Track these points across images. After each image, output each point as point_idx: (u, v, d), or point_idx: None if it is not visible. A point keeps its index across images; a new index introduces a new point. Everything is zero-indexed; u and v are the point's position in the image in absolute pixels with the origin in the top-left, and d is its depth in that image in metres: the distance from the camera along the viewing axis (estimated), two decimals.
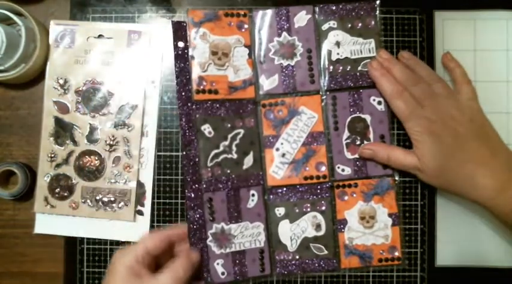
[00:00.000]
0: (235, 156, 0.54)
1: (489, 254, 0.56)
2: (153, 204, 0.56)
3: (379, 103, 0.55)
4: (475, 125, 0.51)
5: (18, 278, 0.57)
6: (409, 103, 0.51)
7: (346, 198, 0.55)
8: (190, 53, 0.55)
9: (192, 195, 0.54)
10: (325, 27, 0.56)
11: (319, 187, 0.55)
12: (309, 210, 0.55)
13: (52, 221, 0.56)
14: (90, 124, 0.56)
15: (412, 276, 0.56)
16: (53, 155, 0.56)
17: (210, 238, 0.54)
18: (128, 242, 0.56)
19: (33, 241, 0.56)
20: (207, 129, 0.54)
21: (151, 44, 0.56)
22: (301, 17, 0.56)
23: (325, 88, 0.55)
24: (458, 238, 0.56)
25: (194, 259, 0.51)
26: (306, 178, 0.55)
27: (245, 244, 0.54)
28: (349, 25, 0.56)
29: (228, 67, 0.55)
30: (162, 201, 0.56)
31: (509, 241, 0.56)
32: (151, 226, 0.56)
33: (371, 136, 0.55)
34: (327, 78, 0.55)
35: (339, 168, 0.55)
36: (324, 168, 0.55)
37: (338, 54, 0.55)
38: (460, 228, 0.56)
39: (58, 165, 0.56)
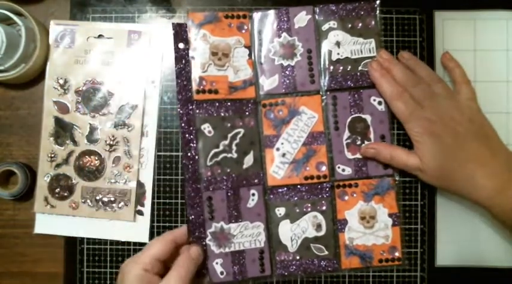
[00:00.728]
0: (235, 155, 0.54)
1: (489, 254, 0.56)
2: (153, 204, 0.56)
3: (380, 103, 0.55)
4: (474, 125, 0.51)
5: (18, 278, 0.57)
6: (409, 104, 0.51)
7: (346, 197, 0.55)
8: (190, 54, 0.55)
9: (192, 194, 0.54)
10: (325, 27, 0.56)
11: (319, 187, 0.55)
12: (309, 209, 0.55)
13: (52, 221, 0.56)
14: (90, 124, 0.56)
15: (412, 276, 0.56)
16: (53, 155, 0.56)
17: (209, 237, 0.54)
18: (128, 243, 0.56)
19: (33, 241, 0.56)
20: (206, 128, 0.54)
21: (151, 44, 0.56)
22: (301, 18, 0.56)
23: (326, 88, 0.55)
24: (458, 238, 0.56)
25: (193, 255, 0.50)
26: (306, 178, 0.55)
27: (245, 244, 0.54)
28: (349, 25, 0.56)
29: (228, 67, 0.55)
30: (162, 201, 0.56)
31: (509, 241, 0.56)
32: (151, 226, 0.56)
33: (371, 136, 0.55)
34: (327, 78, 0.55)
35: (339, 168, 0.55)
36: (324, 168, 0.55)
37: (338, 54, 0.55)
38: (460, 228, 0.56)
39: (58, 165, 0.56)
